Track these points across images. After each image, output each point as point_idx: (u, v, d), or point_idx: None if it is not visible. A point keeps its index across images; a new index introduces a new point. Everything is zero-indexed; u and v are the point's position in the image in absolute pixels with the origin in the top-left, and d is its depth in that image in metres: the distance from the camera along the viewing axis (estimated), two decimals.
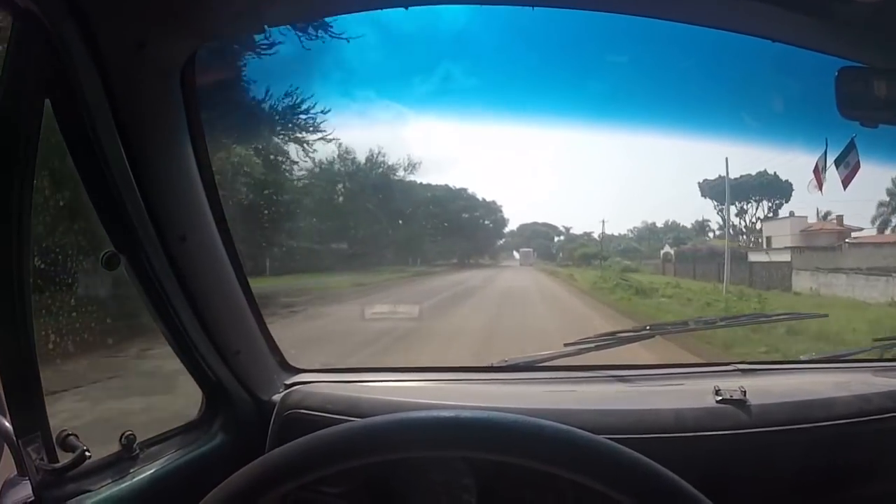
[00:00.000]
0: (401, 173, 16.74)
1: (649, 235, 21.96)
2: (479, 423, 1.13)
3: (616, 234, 22.34)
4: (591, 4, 1.61)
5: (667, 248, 20.64)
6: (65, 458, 1.35)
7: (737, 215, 18.59)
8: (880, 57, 1.61)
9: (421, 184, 18.81)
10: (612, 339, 2.20)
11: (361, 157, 16.38)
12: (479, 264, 20.67)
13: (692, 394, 1.80)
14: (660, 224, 22.13)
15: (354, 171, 16.30)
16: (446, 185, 19.96)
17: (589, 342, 2.17)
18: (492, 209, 20.75)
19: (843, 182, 2.11)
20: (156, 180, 1.42)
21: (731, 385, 1.72)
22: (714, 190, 18.01)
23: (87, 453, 1.37)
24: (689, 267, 19.02)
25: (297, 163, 11.99)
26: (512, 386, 2.04)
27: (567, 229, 22.66)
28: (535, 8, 1.59)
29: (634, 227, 22.59)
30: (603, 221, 21.44)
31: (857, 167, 2.09)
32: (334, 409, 1.69)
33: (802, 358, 2.25)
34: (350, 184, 16.09)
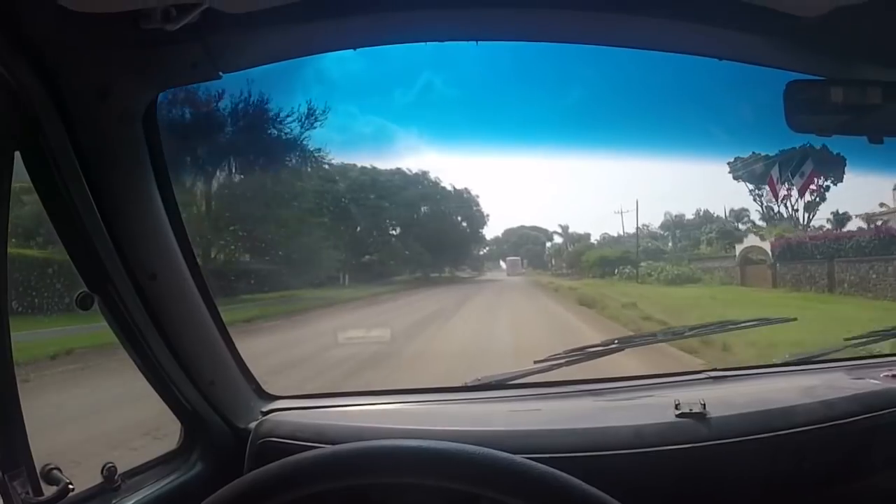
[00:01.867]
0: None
1: (677, 231, 18.90)
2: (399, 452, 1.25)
3: (623, 232, 19.61)
4: (536, 36, 1.69)
5: (752, 242, 14.99)
6: (49, 492, 1.40)
7: (783, 200, 14.17)
8: (828, 67, 1.68)
9: (343, 164, 14.14)
10: (582, 355, 2.26)
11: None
12: (454, 279, 18.48)
13: (654, 408, 1.84)
14: (690, 215, 18.65)
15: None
16: (398, 169, 15.96)
17: (559, 358, 2.23)
18: (465, 202, 17.58)
19: (798, 190, 2.18)
20: (124, 222, 1.49)
21: (693, 397, 1.77)
22: (751, 170, 14.16)
23: (70, 486, 1.42)
24: (798, 270, 13.51)
25: None
26: (482, 405, 2.11)
27: (564, 229, 20.57)
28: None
29: (649, 224, 19.48)
30: (622, 213, 18.27)
31: (812, 176, 2.16)
32: (303, 436, 1.74)
33: (775, 361, 2.30)
34: None
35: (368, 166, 15.43)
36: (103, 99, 1.38)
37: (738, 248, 15.46)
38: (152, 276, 1.57)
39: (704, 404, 1.74)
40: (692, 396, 1.78)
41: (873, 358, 2.33)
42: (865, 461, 1.74)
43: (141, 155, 1.52)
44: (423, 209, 16.68)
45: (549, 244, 21.94)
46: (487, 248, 21.14)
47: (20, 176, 1.35)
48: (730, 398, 1.87)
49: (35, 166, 1.36)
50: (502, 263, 20.92)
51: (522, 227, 21.67)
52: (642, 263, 17.12)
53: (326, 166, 13.16)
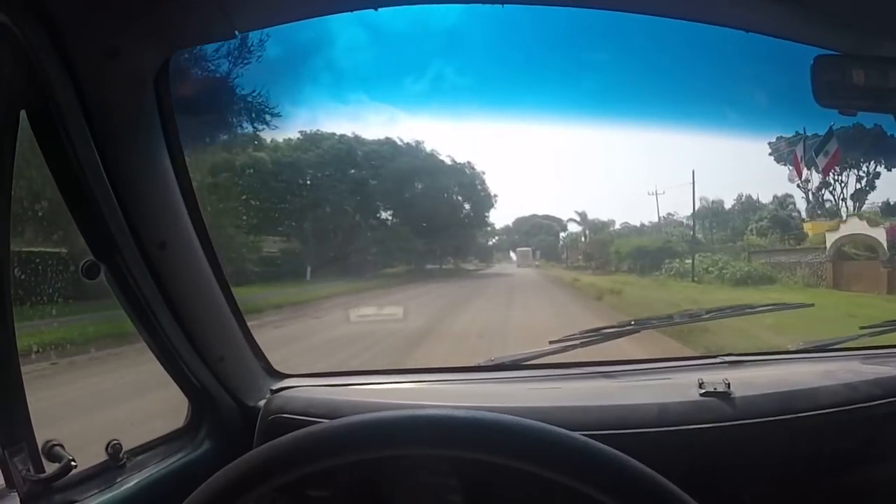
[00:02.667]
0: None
1: (716, 220, 16.41)
2: (436, 421, 1.18)
3: (660, 218, 17.05)
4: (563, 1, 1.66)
5: (854, 230, 10.95)
6: (51, 469, 1.37)
7: (832, 185, 12.05)
8: (856, 44, 1.63)
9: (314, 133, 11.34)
10: (597, 336, 2.24)
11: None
12: (456, 271, 16.72)
13: (676, 387, 1.83)
14: (729, 203, 16.18)
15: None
16: (386, 139, 12.69)
17: (574, 339, 2.21)
18: (467, 179, 14.78)
19: (823, 170, 2.16)
20: (133, 188, 1.45)
21: (716, 378, 1.75)
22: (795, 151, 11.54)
23: (73, 463, 1.39)
24: None
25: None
26: (498, 385, 2.08)
27: (582, 216, 18.62)
28: (514, 6, 1.64)
29: (674, 212, 16.90)
30: (656, 194, 15.56)
31: (836, 155, 2.14)
32: (316, 412, 1.71)
33: (790, 348, 2.29)
34: None
35: (350, 134, 12.33)
36: (114, 59, 1.33)
37: (830, 237, 11.20)
38: (161, 245, 1.53)
39: (729, 384, 1.73)
40: (713, 378, 1.77)
41: (888, 347, 2.32)
42: (887, 446, 1.73)
43: (152, 119, 1.48)
44: (417, 186, 13.84)
45: (563, 234, 20.08)
46: (497, 238, 19.42)
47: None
48: (752, 379, 1.85)
49: (42, 126, 1.31)
50: (512, 254, 19.27)
51: (535, 216, 19.91)
52: (697, 256, 14.00)
53: (297, 134, 11.27)
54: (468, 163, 14.72)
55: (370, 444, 1.19)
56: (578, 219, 18.99)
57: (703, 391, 1.72)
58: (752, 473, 1.65)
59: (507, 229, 19.55)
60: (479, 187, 15.33)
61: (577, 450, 1.15)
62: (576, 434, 1.17)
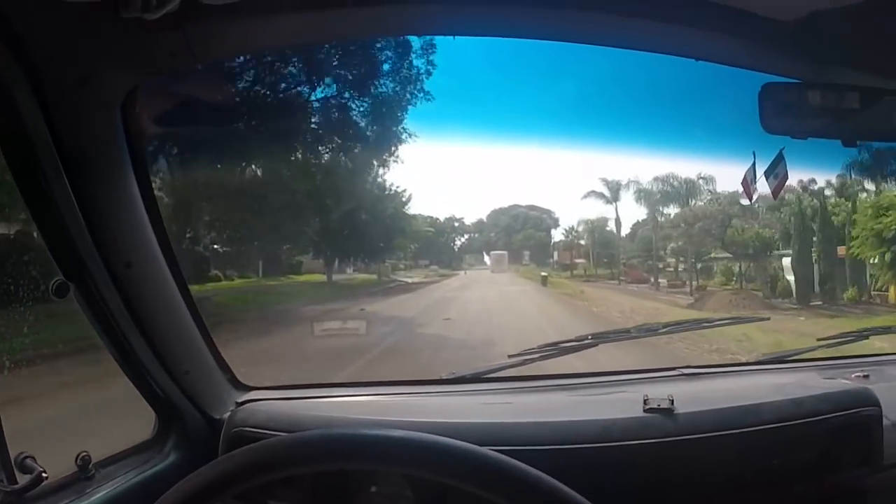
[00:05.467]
0: None
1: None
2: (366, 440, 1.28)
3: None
4: (515, 33, 1.72)
5: None
6: (23, 480, 1.41)
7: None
8: (805, 71, 1.70)
9: None
10: (555, 350, 2.31)
11: None
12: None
13: (623, 403, 1.85)
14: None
15: None
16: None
17: (532, 353, 2.28)
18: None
19: (772, 192, 2.22)
20: (100, 210, 1.49)
21: (662, 393, 1.78)
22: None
23: (44, 475, 1.43)
24: None
25: None
26: (455, 398, 2.14)
27: (613, 189, 15.16)
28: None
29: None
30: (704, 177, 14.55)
31: (785, 178, 2.19)
32: (276, 426, 1.74)
33: (749, 360, 2.33)
34: None
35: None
36: (83, 87, 1.39)
37: None
38: (128, 265, 1.58)
39: (672, 400, 1.74)
40: (661, 392, 1.79)
41: (845, 358, 2.37)
42: (834, 459, 1.76)
43: (119, 143, 1.52)
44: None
45: (553, 231, 17.28)
46: (467, 237, 17.34)
47: None
48: (699, 394, 1.90)
49: (12, 152, 1.36)
50: (486, 258, 17.24)
51: (517, 207, 17.35)
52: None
53: None
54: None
55: (313, 459, 1.27)
56: (610, 195, 15.89)
57: (647, 407, 1.74)
58: (696, 489, 1.69)
59: (479, 225, 17.34)
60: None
61: (498, 468, 1.23)
62: (500, 454, 1.24)
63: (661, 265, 16.89)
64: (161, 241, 1.68)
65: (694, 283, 15.94)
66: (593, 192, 15.74)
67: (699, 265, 16.42)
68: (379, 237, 14.34)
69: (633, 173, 14.72)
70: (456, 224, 17.20)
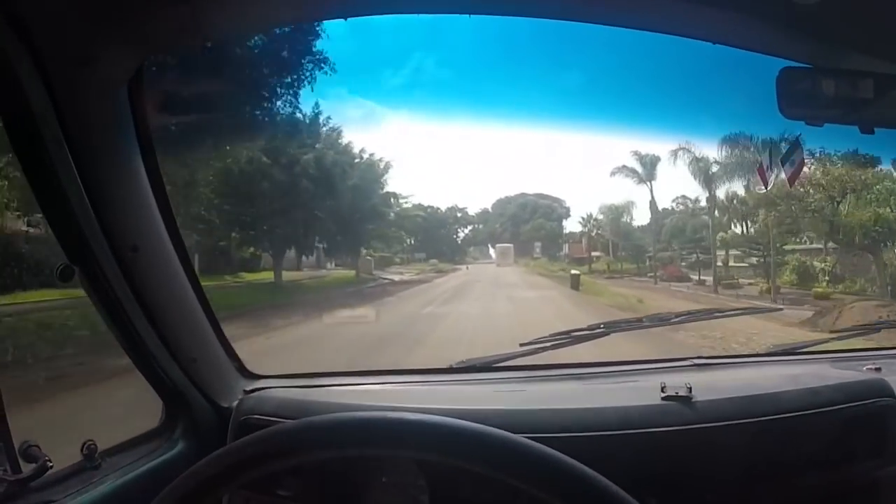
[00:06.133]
0: None
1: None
2: (381, 424, 1.21)
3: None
4: (527, 12, 1.69)
5: None
6: (28, 469, 1.38)
7: None
8: (822, 56, 1.67)
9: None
10: (567, 339, 2.28)
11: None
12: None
13: (640, 391, 1.84)
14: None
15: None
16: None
17: (544, 341, 2.25)
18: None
19: (788, 180, 2.19)
20: (106, 193, 1.46)
21: (679, 381, 1.76)
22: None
23: (49, 464, 1.40)
24: None
25: None
26: (468, 387, 2.11)
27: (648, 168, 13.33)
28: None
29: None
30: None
31: (801, 165, 2.17)
32: (286, 413, 1.72)
33: (760, 351, 2.31)
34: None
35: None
36: (87, 66, 1.36)
37: None
38: (134, 249, 1.55)
39: (690, 388, 1.73)
40: (678, 381, 1.78)
41: (856, 351, 2.35)
42: (847, 450, 1.74)
43: (125, 124, 1.50)
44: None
45: (564, 222, 15.47)
46: (470, 229, 15.79)
47: None
48: (716, 383, 1.87)
49: (16, 131, 1.33)
50: (491, 251, 15.71)
51: (524, 195, 15.85)
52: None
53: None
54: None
55: (319, 446, 1.22)
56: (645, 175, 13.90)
57: (665, 395, 1.73)
58: (715, 476, 1.67)
59: (484, 216, 15.65)
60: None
61: (518, 451, 1.18)
62: (516, 436, 1.20)
63: (693, 258, 15.11)
64: (168, 225, 1.65)
65: (760, 280, 13.89)
66: (624, 167, 13.97)
67: (763, 258, 14.01)
68: (347, 221, 12.14)
69: (684, 140, 12.89)
70: (458, 214, 15.70)
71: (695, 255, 14.69)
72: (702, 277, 14.33)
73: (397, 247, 15.05)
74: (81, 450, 1.56)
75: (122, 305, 1.57)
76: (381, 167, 12.33)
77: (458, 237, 15.60)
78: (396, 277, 14.18)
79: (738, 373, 2.09)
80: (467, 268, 15.10)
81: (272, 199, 10.83)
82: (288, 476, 1.54)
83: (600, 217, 15.41)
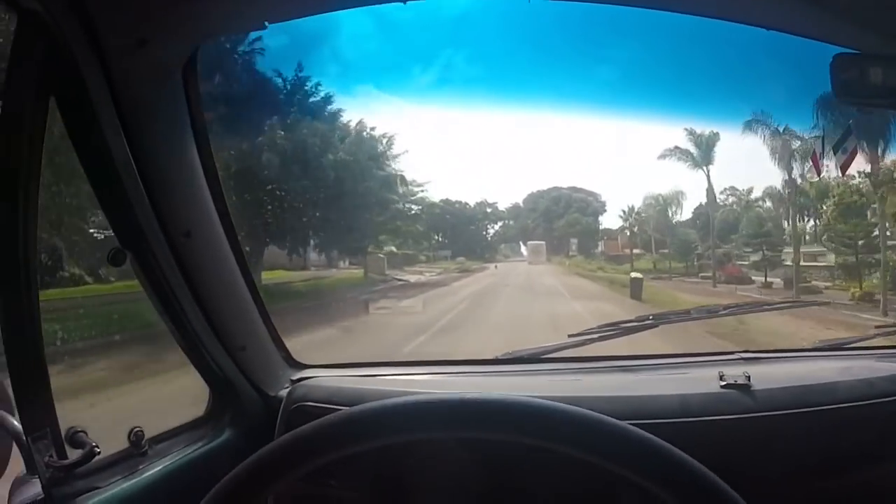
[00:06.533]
0: None
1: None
2: (496, 406, 1.11)
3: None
4: None
5: None
6: (74, 455, 1.33)
7: None
8: (875, 43, 1.59)
9: None
10: (616, 330, 2.20)
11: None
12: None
13: (697, 381, 1.79)
14: None
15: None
16: None
17: (592, 333, 2.16)
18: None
19: (840, 167, 2.11)
20: (160, 177, 1.41)
21: (736, 371, 1.71)
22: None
23: (96, 450, 1.35)
24: None
25: None
26: (516, 378, 2.03)
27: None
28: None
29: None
30: None
31: (854, 152, 2.09)
32: (340, 401, 1.65)
33: (805, 346, 2.23)
34: None
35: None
36: (143, 48, 1.30)
37: None
38: (186, 234, 1.50)
39: (749, 376, 1.69)
40: (735, 371, 1.73)
41: None
42: None
43: (179, 108, 1.45)
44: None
45: (600, 218, 13.66)
46: (501, 225, 14.05)
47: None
48: (771, 374, 1.81)
49: (72, 114, 1.28)
50: (523, 248, 13.95)
51: (557, 189, 13.96)
52: None
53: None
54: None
55: (402, 427, 1.13)
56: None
57: (724, 383, 1.69)
58: (771, 465, 1.62)
59: (515, 211, 14.04)
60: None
61: (637, 443, 1.12)
62: (636, 428, 1.13)
63: (743, 256, 13.08)
64: (220, 212, 1.60)
65: (846, 283, 11.37)
66: (676, 149, 11.78)
67: (855, 256, 11.18)
68: (335, 209, 9.90)
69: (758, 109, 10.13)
70: (488, 210, 14.09)
71: (761, 253, 12.57)
72: (768, 279, 12.29)
73: (424, 244, 13.72)
74: (129, 437, 1.50)
75: (173, 291, 1.52)
76: (380, 141, 10.18)
77: (487, 234, 14.11)
78: (413, 278, 12.38)
79: (790, 365, 2.01)
80: (496, 267, 13.50)
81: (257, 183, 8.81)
82: (341, 468, 1.44)
83: (642, 211, 13.68)
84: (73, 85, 1.23)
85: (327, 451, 1.11)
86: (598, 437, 1.10)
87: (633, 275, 11.04)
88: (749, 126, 10.00)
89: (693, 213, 13.37)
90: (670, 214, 13.43)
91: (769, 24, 1.64)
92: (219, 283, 1.64)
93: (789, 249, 12.21)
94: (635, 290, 10.68)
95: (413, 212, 12.43)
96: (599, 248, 13.59)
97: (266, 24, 1.40)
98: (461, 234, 13.79)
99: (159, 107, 1.41)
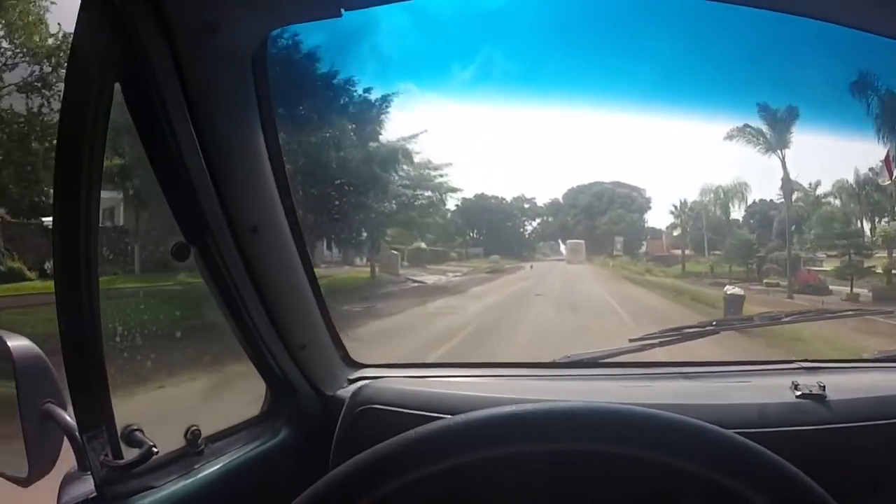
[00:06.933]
0: None
1: None
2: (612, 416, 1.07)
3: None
4: None
5: None
6: (129, 454, 1.26)
7: None
8: None
9: None
10: (677, 335, 2.10)
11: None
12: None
13: (769, 389, 1.69)
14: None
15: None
16: None
17: (653, 338, 2.06)
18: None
19: None
20: (228, 169, 1.33)
21: (808, 381, 1.61)
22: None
23: (153, 450, 1.28)
24: None
25: None
26: (576, 382, 1.94)
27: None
28: None
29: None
30: None
31: None
32: (412, 404, 1.57)
33: (866, 356, 2.08)
34: None
35: None
36: (214, 34, 1.20)
37: None
38: (253, 229, 1.41)
39: (824, 386, 1.58)
40: (806, 380, 1.62)
41: None
42: None
43: (248, 97, 1.35)
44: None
45: (645, 216, 12.17)
46: (538, 221, 12.65)
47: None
48: (844, 384, 1.69)
49: (137, 100, 1.18)
50: (562, 247, 12.56)
51: (599, 184, 12.62)
52: None
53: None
54: None
55: (511, 439, 1.04)
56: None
57: (799, 393, 1.59)
58: (848, 478, 1.49)
59: (554, 207, 12.73)
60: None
61: (737, 449, 1.10)
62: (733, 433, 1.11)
63: (815, 261, 11.04)
64: (286, 206, 1.51)
65: None
66: (745, 128, 9.35)
67: None
68: (321, 190, 8.18)
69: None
70: (526, 205, 12.78)
71: (846, 257, 10.38)
72: (855, 290, 9.97)
73: (458, 239, 12.56)
74: (185, 435, 1.42)
75: (237, 287, 1.43)
76: (373, 102, 8.02)
77: (525, 231, 12.79)
78: (432, 279, 10.65)
79: (861, 376, 1.89)
80: (531, 267, 11.92)
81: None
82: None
83: (697, 205, 11.94)
84: (139, 70, 1.14)
85: (448, 457, 1.02)
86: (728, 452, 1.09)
87: (731, 290, 8.46)
88: (857, 87, 8.06)
89: (747, 209, 11.69)
90: (731, 209, 11.75)
91: (824, 16, 1.47)
92: (283, 280, 1.56)
93: (882, 254, 10.31)
94: (733, 309, 7.45)
95: (425, 200, 10.55)
96: (643, 248, 12.23)
97: (342, 11, 1.27)
98: (497, 231, 12.75)
99: (228, 96, 1.32)
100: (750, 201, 11.63)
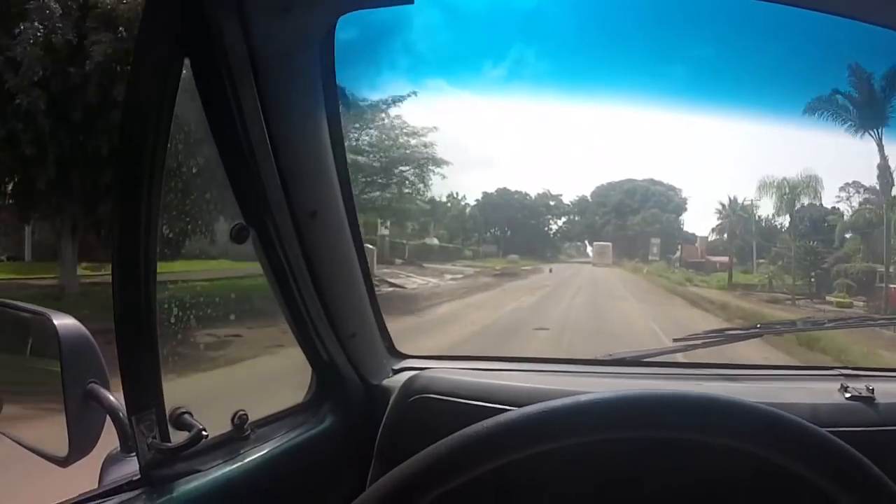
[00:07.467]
0: None
1: None
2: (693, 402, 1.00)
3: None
4: None
5: None
6: (178, 437, 1.20)
7: None
8: None
9: None
10: (721, 337, 2.02)
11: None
12: None
13: (817, 392, 1.62)
14: None
15: None
16: None
17: (697, 339, 1.99)
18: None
19: None
20: (292, 152, 1.26)
21: (857, 385, 1.55)
22: None
23: (203, 433, 1.21)
24: None
25: None
26: (621, 380, 1.86)
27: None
28: None
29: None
30: None
31: None
32: (470, 394, 1.50)
33: None
34: None
35: None
36: (288, 13, 1.13)
37: None
38: (312, 214, 1.35)
39: (873, 389, 1.53)
40: (854, 384, 1.56)
41: None
42: None
43: (314, 81, 1.28)
44: None
45: (682, 217, 10.54)
46: (564, 220, 11.18)
47: None
48: (891, 389, 1.61)
49: (207, 77, 1.10)
50: (589, 249, 11.38)
51: (632, 181, 11.00)
52: None
53: None
54: None
55: (581, 428, 0.98)
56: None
57: (850, 395, 1.53)
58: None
59: (582, 205, 11.26)
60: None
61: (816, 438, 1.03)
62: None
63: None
64: (345, 193, 1.44)
65: None
66: (832, 99, 7.56)
67: None
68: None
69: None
70: (551, 202, 11.43)
71: None
72: None
73: (476, 236, 11.44)
74: (232, 420, 1.35)
75: (293, 272, 1.37)
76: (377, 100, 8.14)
77: (549, 230, 11.44)
78: (416, 283, 8.79)
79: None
80: (550, 271, 10.33)
81: None
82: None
83: (755, 201, 9.97)
84: (210, 45, 1.07)
85: (536, 445, 0.94)
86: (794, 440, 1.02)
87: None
88: None
89: (796, 211, 9.55)
90: (797, 207, 9.60)
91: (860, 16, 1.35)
92: (338, 267, 1.50)
93: None
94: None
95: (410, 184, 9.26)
96: (677, 254, 10.77)
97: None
98: (519, 229, 11.50)
99: (296, 77, 1.25)
100: (827, 197, 9.77)
